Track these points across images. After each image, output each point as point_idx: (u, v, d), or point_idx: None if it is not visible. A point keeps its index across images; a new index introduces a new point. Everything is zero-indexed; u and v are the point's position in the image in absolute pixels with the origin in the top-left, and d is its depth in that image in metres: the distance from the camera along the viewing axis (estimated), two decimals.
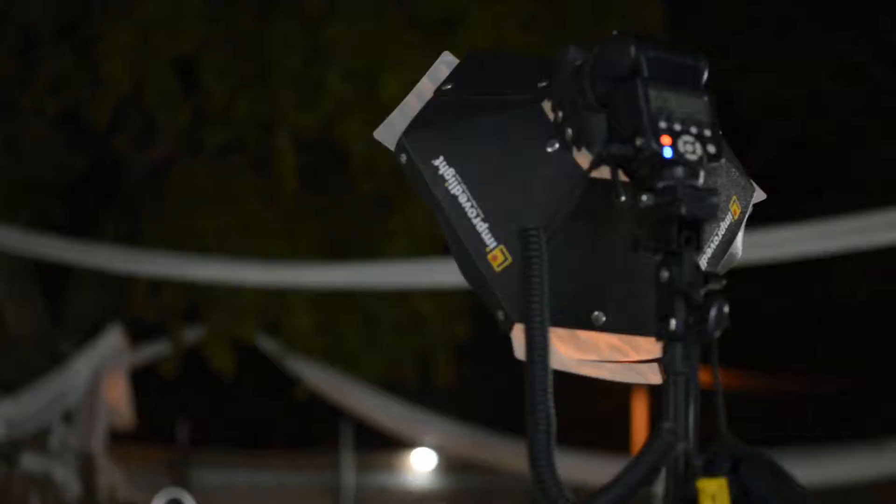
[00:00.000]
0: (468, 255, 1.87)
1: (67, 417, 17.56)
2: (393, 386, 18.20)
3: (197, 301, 17.27)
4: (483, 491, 25.73)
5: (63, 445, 17.74)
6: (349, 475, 27.39)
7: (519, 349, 1.81)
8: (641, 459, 1.62)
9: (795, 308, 20.91)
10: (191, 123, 15.31)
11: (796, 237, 9.05)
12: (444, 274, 12.63)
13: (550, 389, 1.68)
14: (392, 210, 15.27)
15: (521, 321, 1.80)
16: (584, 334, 1.87)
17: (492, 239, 1.86)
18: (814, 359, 22.54)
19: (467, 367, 20.13)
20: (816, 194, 17.43)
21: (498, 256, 1.84)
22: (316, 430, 28.98)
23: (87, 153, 17.04)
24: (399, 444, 24.85)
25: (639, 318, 1.87)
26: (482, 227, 1.87)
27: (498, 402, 25.84)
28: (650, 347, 1.90)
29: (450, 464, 26.23)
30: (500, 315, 1.85)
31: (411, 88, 2.08)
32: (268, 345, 18.04)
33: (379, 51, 13.78)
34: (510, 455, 18.45)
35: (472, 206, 1.88)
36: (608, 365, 1.93)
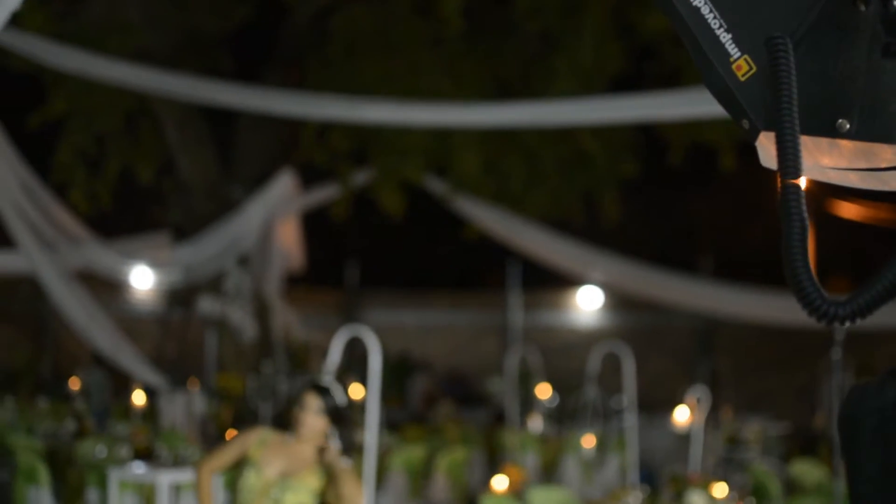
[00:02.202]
0: (712, 67, 1.89)
1: (242, 262, 17.99)
2: (559, 224, 18.29)
3: (365, 144, 17.45)
4: (649, 328, 25.80)
5: (238, 289, 18.19)
6: (516, 314, 27.65)
7: (765, 157, 1.84)
8: None
9: None
10: None
11: None
12: (609, 111, 12.56)
13: (803, 195, 1.70)
14: (556, 49, 15.18)
15: (768, 129, 1.82)
16: (828, 142, 1.89)
17: (735, 49, 1.87)
18: None
19: (633, 204, 20.11)
20: None
21: (742, 66, 1.86)
22: (483, 270, 29.24)
23: (251, 2, 17.18)
24: (566, 282, 25.01)
25: (884, 126, 1.88)
26: (725, 37, 1.88)
27: (664, 238, 25.80)
28: (893, 157, 1.91)
29: (616, 301, 26.32)
30: (746, 124, 1.87)
31: None
32: (435, 186, 18.20)
33: None
34: (676, 292, 18.46)
35: (714, 18, 1.89)
36: (851, 173, 1.94)
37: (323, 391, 5.10)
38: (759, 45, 1.83)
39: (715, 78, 1.90)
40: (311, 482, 4.97)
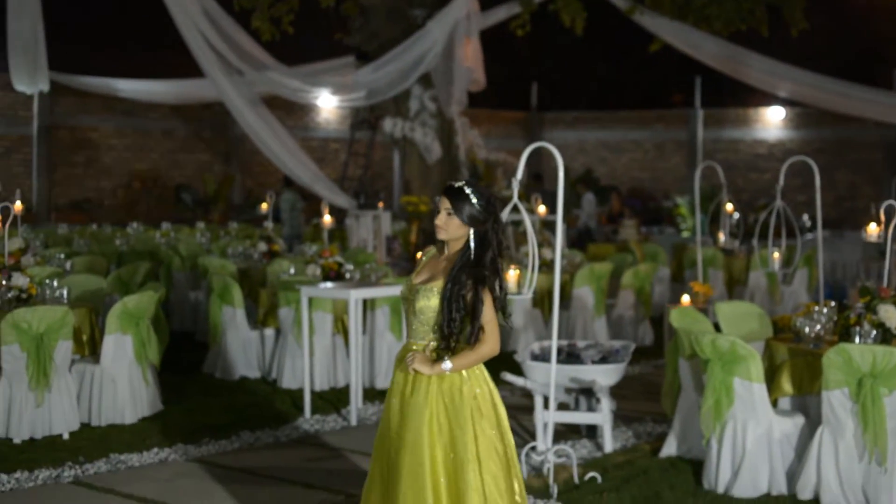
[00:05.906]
0: None
1: (425, 81, 18.05)
2: (744, 38, 17.92)
3: None
4: (835, 143, 25.34)
5: (422, 109, 18.28)
6: (700, 129, 27.27)
7: None
8: None
9: None
10: None
11: None
12: None
13: None
14: None
15: None
16: None
17: None
18: None
19: (819, 17, 19.58)
20: None
21: None
22: (666, 87, 28.89)
23: None
24: (751, 97, 24.58)
25: None
26: None
27: (849, 51, 25.08)
28: None
29: (801, 116, 25.82)
30: None
31: None
32: (617, 0, 17.96)
33: None
34: (862, 105, 18.01)
35: None
36: None
37: (454, 192, 5.07)
38: None
39: None
40: (439, 286, 5.03)
